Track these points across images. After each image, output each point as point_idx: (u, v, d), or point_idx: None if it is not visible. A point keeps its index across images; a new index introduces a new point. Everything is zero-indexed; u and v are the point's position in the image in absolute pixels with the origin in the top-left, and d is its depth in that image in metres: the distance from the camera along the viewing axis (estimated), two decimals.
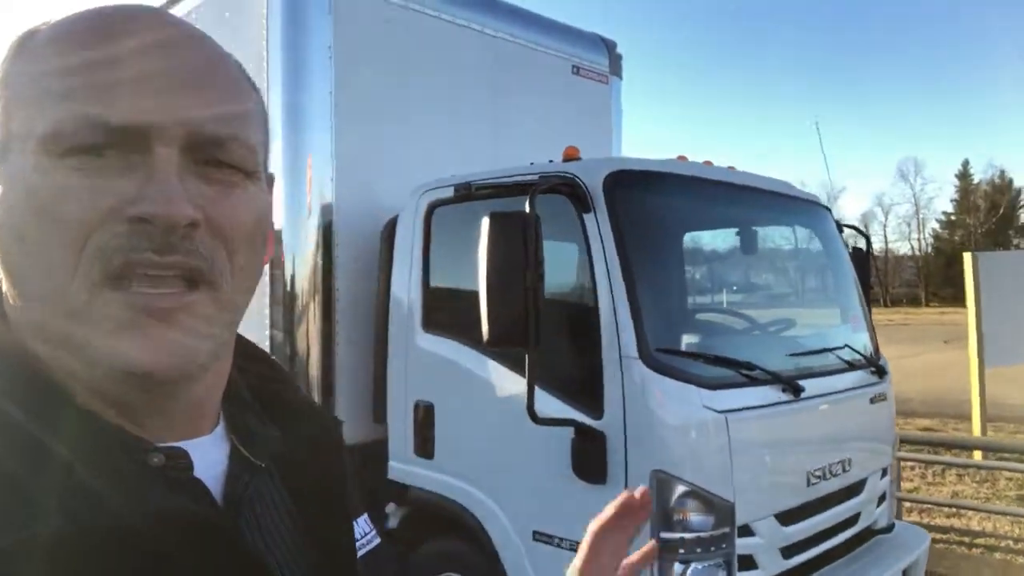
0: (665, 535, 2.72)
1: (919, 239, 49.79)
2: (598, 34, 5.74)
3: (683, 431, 2.81)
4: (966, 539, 6.13)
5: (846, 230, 4.32)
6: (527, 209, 2.72)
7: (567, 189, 2.96)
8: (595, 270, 2.90)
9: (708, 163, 3.66)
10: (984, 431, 8.14)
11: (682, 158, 3.60)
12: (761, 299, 3.91)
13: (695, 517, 2.75)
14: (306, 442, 0.78)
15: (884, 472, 3.78)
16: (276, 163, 4.00)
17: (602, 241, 2.90)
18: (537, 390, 2.82)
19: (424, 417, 3.57)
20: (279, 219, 3.88)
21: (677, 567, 2.72)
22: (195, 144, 0.60)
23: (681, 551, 2.72)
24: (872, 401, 3.70)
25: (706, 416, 2.82)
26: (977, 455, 7.41)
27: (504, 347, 2.80)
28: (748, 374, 3.04)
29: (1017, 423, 9.44)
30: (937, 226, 50.60)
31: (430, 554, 3.60)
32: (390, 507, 3.86)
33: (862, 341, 3.89)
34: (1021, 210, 49.70)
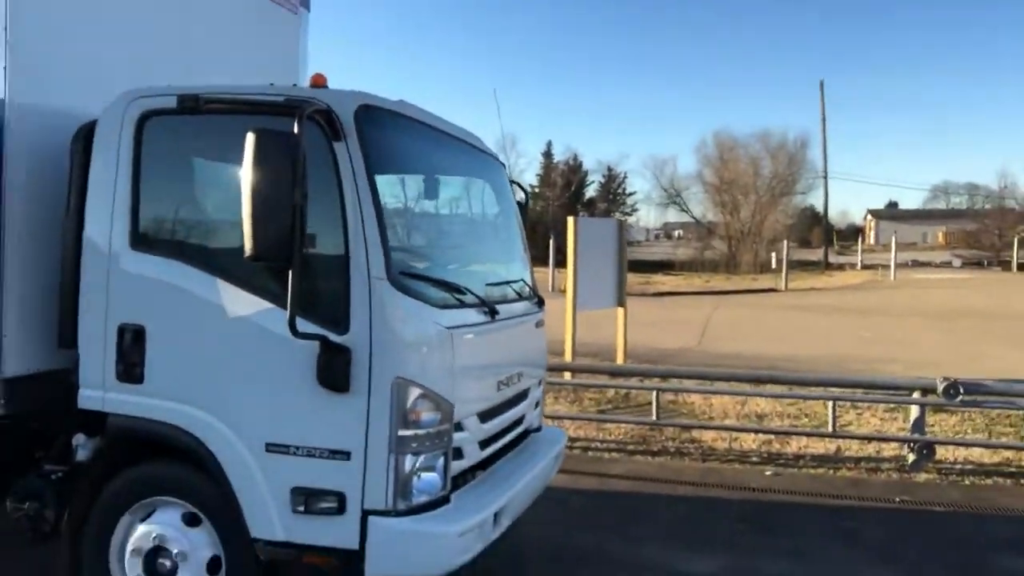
0: (402, 432, 3.11)
1: None
2: None
3: (419, 344, 3.21)
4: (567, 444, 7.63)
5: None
6: (295, 129, 2.82)
7: (319, 116, 3.09)
8: (345, 196, 3.10)
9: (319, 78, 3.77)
10: (573, 359, 10.10)
11: (318, 78, 3.65)
12: (464, 236, 4.43)
13: (426, 416, 3.19)
14: None
15: (540, 383, 4.66)
16: None
17: (353, 169, 3.11)
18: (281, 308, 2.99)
19: (133, 341, 3.37)
20: None
21: (410, 459, 3.14)
22: None
23: (414, 445, 3.14)
24: (537, 326, 4.53)
25: (437, 331, 3.26)
26: (567, 376, 9.22)
27: (268, 262, 2.87)
28: (462, 298, 3.56)
29: (591, 355, 11.79)
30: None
31: (137, 479, 3.45)
32: (79, 438, 3.56)
33: (529, 277, 4.69)
34: (587, 188, 59.72)
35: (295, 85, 3.36)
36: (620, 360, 10.92)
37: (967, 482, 6.71)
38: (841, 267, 49.71)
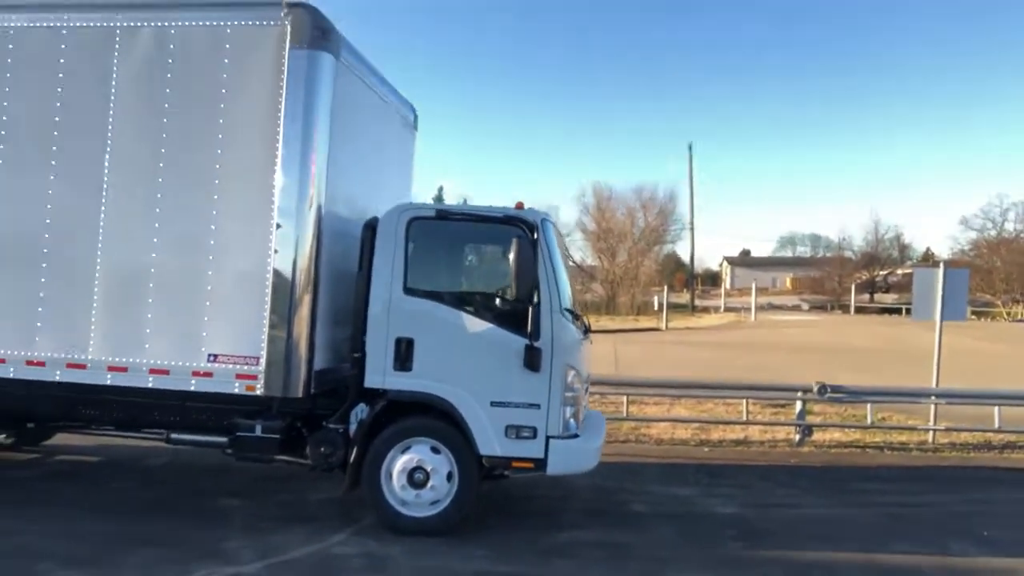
0: (567, 394, 5.82)
1: None
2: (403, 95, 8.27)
3: (573, 346, 5.96)
4: None
5: None
6: (534, 236, 5.56)
7: (526, 225, 5.81)
8: (540, 270, 5.80)
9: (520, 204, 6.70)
10: None
11: (519, 204, 6.54)
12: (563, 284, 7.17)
13: (576, 386, 5.93)
14: None
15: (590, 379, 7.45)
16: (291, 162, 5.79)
17: (541, 257, 5.83)
18: (506, 328, 5.69)
19: (406, 347, 5.88)
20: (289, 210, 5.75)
21: (568, 408, 5.84)
22: None
23: (570, 401, 5.85)
24: (590, 343, 7.34)
25: (578, 339, 6.04)
26: None
27: (524, 304, 5.54)
28: (577, 324, 6.34)
29: None
30: None
31: (403, 428, 5.92)
32: (360, 407, 6.00)
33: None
34: None
35: (504, 206, 6.05)
36: None
37: (833, 451, 10.08)
38: (706, 309, 55.49)
